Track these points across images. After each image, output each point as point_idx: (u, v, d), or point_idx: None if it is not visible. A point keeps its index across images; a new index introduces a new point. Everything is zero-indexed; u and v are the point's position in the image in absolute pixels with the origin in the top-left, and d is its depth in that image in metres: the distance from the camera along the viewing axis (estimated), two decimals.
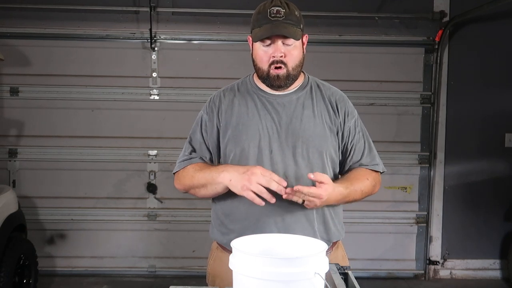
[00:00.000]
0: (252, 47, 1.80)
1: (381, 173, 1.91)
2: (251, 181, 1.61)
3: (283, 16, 1.68)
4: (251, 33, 1.78)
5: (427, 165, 4.57)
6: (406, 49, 4.50)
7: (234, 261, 1.31)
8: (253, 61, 1.80)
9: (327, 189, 1.63)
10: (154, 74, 4.41)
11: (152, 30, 4.26)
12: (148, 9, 4.25)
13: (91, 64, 4.38)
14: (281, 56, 1.71)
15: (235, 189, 1.66)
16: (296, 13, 1.73)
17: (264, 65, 1.74)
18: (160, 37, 4.38)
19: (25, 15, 4.30)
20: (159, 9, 4.32)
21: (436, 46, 4.44)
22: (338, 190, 1.71)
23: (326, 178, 1.65)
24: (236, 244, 1.37)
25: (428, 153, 4.56)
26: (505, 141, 4.58)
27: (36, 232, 4.28)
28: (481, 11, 4.28)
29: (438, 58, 4.47)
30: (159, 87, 4.43)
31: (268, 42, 1.71)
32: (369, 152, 1.87)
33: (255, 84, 1.85)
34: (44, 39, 4.34)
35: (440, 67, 4.50)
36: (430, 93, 4.51)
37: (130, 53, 4.41)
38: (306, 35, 1.80)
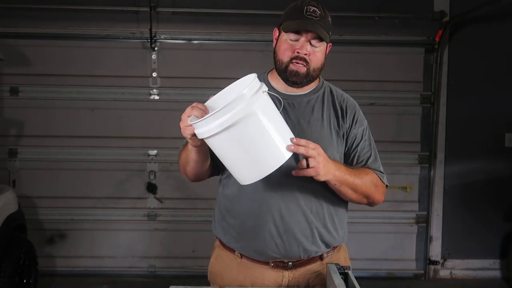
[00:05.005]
0: (278, 39, 1.78)
1: (386, 186, 1.86)
2: (182, 120, 1.56)
3: (318, 17, 1.68)
4: (279, 25, 1.77)
5: (427, 165, 4.57)
6: (406, 49, 4.50)
7: (198, 132, 1.48)
8: (275, 53, 1.78)
9: (318, 146, 1.59)
10: (154, 74, 4.41)
11: (152, 30, 4.26)
12: (148, 9, 4.25)
13: (91, 64, 4.39)
14: (306, 54, 1.70)
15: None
16: (329, 19, 1.73)
17: (285, 58, 1.73)
18: (160, 37, 4.38)
19: (25, 15, 4.30)
20: (159, 9, 4.33)
21: (436, 46, 4.44)
22: (335, 163, 1.67)
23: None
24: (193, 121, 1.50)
25: (428, 153, 4.56)
26: (505, 141, 4.59)
27: (36, 232, 4.27)
28: (481, 11, 4.29)
29: (438, 58, 4.47)
30: (159, 87, 4.43)
31: (297, 37, 1.70)
32: (374, 160, 1.84)
33: (269, 82, 1.85)
34: (44, 39, 4.34)
35: (440, 67, 4.50)
36: (430, 93, 4.52)
37: (130, 53, 4.41)
38: (331, 44, 1.80)
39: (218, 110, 1.40)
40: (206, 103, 1.60)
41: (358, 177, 1.73)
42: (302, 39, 1.70)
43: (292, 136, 1.55)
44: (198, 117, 1.51)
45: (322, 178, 1.62)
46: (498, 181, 4.59)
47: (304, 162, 1.57)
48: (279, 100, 1.60)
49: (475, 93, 4.54)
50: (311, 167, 1.57)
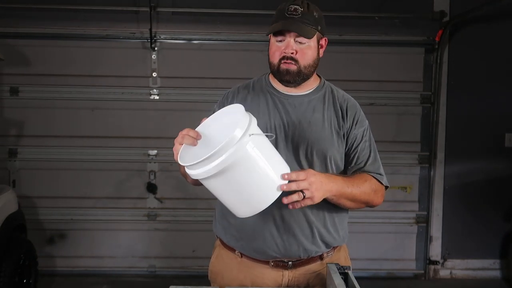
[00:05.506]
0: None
1: (386, 188, 1.85)
2: (174, 146, 1.57)
3: (299, 15, 1.69)
4: None
5: (427, 165, 4.57)
6: (406, 49, 4.50)
7: (189, 172, 1.47)
8: (268, 57, 1.80)
9: (309, 171, 1.58)
10: (154, 74, 4.41)
11: (152, 30, 4.26)
12: (148, 9, 4.25)
13: (91, 64, 4.39)
14: (292, 53, 1.71)
15: None
16: (314, 14, 1.73)
17: (275, 60, 1.75)
18: (160, 37, 4.38)
19: (25, 15, 4.30)
20: (159, 9, 4.33)
21: (436, 46, 4.44)
22: (330, 178, 1.65)
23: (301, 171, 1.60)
24: (183, 161, 1.48)
25: (428, 153, 4.56)
26: (505, 141, 4.59)
27: (36, 232, 4.27)
28: (481, 11, 4.29)
29: (438, 58, 4.47)
30: (159, 87, 4.43)
31: (282, 38, 1.72)
32: (373, 162, 1.83)
33: (270, 82, 1.86)
34: (44, 39, 4.34)
35: (440, 67, 4.50)
36: (430, 93, 4.52)
37: (130, 53, 4.41)
38: (326, 39, 1.80)
39: (207, 156, 1.37)
40: (198, 128, 1.58)
41: (356, 187, 1.72)
42: (287, 38, 1.71)
43: (284, 167, 1.53)
44: (190, 145, 1.51)
45: (318, 200, 1.60)
46: (498, 181, 4.59)
47: (300, 195, 1.54)
48: (268, 133, 1.59)
49: (475, 93, 4.54)
50: (307, 198, 1.55)
